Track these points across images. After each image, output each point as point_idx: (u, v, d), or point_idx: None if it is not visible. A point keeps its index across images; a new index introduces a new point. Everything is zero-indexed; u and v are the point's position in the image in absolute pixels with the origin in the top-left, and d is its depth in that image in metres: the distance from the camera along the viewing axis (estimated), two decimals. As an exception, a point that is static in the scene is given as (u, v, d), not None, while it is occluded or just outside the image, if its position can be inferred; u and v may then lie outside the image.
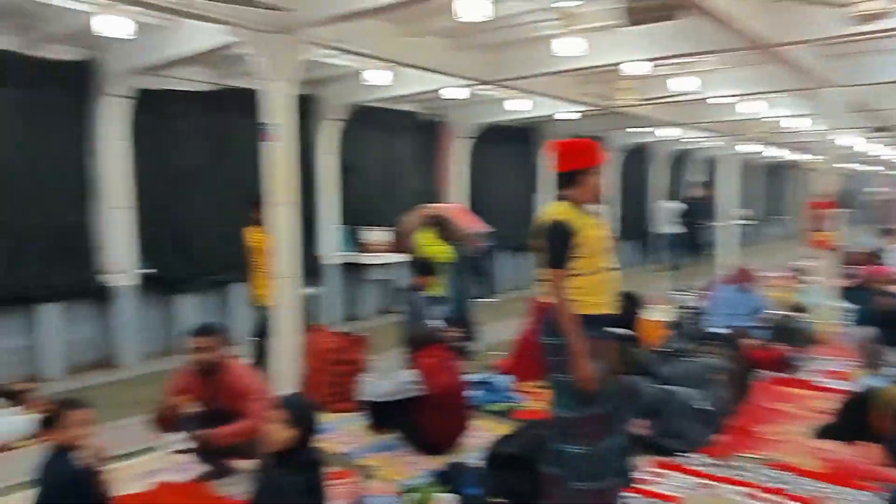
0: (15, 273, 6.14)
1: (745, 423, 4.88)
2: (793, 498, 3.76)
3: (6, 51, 6.02)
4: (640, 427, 4.41)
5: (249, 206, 5.78)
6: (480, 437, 4.56)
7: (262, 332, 5.73)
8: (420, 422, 4.24)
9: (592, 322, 3.03)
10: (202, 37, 5.63)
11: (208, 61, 7.03)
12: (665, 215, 14.63)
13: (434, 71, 6.77)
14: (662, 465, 4.18)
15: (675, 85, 8.11)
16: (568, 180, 3.11)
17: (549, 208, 3.14)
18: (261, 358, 5.65)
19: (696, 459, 4.26)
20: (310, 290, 8.21)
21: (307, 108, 8.33)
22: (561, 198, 3.12)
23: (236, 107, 7.61)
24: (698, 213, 12.76)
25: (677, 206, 14.61)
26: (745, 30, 5.25)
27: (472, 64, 7.03)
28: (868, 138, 14.43)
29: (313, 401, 2.81)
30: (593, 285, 3.05)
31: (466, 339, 6.86)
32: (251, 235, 5.90)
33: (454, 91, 8.01)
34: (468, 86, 7.83)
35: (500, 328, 8.45)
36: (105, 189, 6.74)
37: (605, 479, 3.13)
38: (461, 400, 4.44)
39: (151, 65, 6.35)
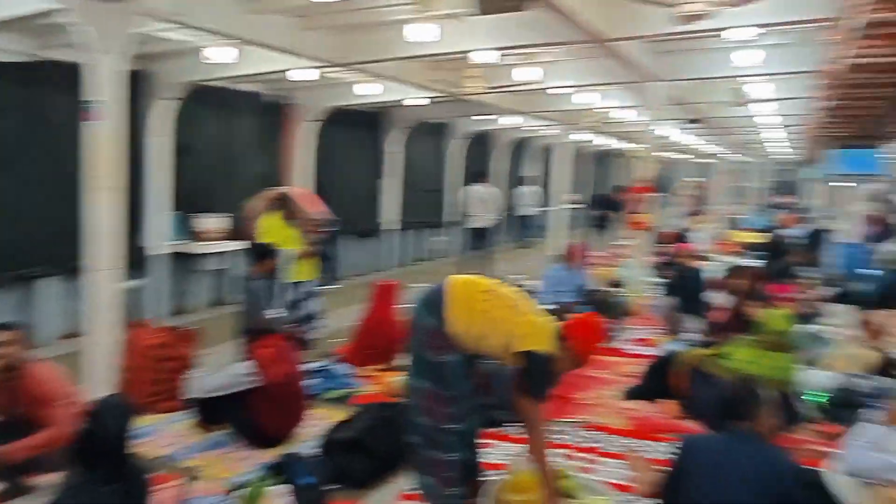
0: None
1: (565, 391, 5.32)
2: (604, 455, 4.20)
3: None
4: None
5: None
6: (317, 425, 4.57)
7: None
8: (254, 415, 4.18)
9: None
10: (19, 1, 5.14)
11: (25, 29, 6.33)
12: (525, 199, 15.72)
13: (280, 50, 6.58)
14: (491, 436, 4.46)
15: (519, 74, 8.48)
16: None
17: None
18: None
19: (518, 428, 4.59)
20: (132, 283, 7.72)
21: (138, 86, 7.75)
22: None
23: (55, 81, 6.92)
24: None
25: (537, 190, 15.77)
26: (584, 24, 5.62)
27: (320, 45, 6.88)
28: (682, 129, 16.09)
29: (128, 403, 2.64)
30: None
31: (306, 326, 6.82)
32: None
33: (302, 72, 7.82)
34: (316, 67, 7.68)
35: (342, 315, 8.47)
36: None
37: (456, 452, 3.18)
38: (297, 389, 4.43)
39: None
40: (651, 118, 8.97)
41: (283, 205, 6.80)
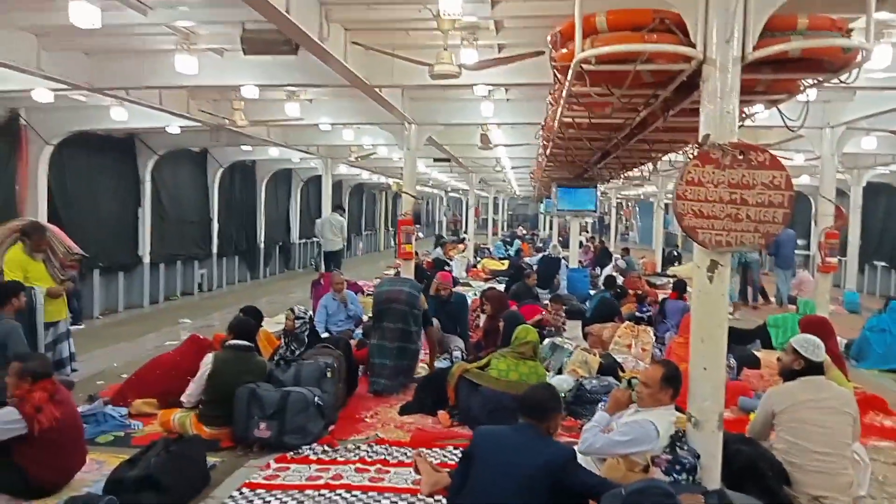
0: None
1: (352, 411, 5.66)
2: (392, 465, 4.59)
3: None
4: (261, 430, 4.78)
5: None
6: (95, 470, 4.33)
7: None
8: (25, 463, 3.81)
9: None
10: None
11: None
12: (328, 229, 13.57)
13: (23, 70, 6.07)
14: (285, 460, 4.61)
15: (281, 109, 8.75)
16: None
17: None
18: None
19: (314, 450, 4.81)
20: None
21: None
22: None
23: None
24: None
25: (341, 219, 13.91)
26: (345, 70, 6.11)
27: (70, 67, 6.52)
28: (429, 166, 17.58)
29: None
30: None
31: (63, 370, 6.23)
32: None
33: (42, 93, 7.20)
34: (64, 90, 7.15)
35: (99, 355, 7.81)
36: None
37: None
38: (74, 435, 4.12)
39: None
40: (407, 156, 9.73)
41: (28, 237, 6.17)
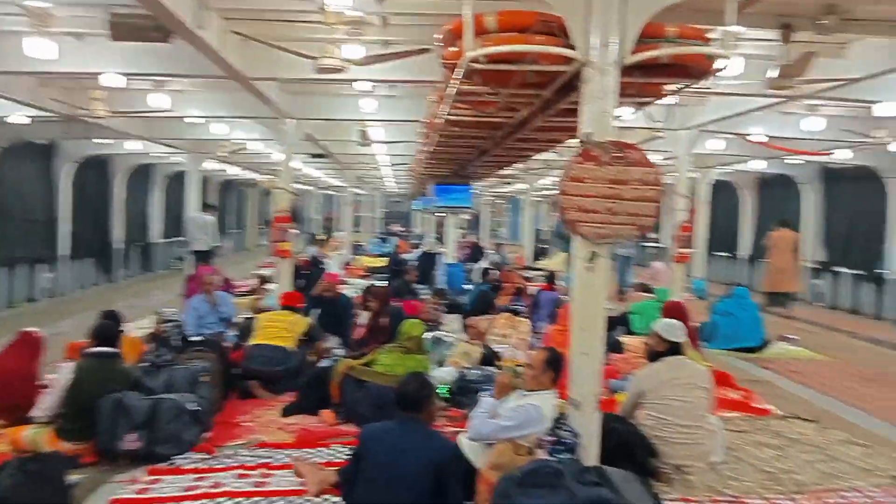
0: None
1: (228, 416, 5.40)
2: (275, 468, 4.43)
3: None
4: (129, 442, 4.44)
5: None
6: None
7: None
8: None
9: None
10: None
11: None
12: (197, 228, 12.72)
13: None
14: (157, 472, 4.33)
15: (147, 100, 8.16)
16: None
17: None
18: None
19: (190, 459, 4.54)
20: None
21: None
22: None
23: None
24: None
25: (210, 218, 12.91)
26: (222, 61, 5.80)
27: None
28: (306, 162, 17.16)
29: None
30: None
31: None
32: None
33: None
34: None
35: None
36: None
37: None
38: None
39: None
40: (284, 152, 9.43)
41: None
